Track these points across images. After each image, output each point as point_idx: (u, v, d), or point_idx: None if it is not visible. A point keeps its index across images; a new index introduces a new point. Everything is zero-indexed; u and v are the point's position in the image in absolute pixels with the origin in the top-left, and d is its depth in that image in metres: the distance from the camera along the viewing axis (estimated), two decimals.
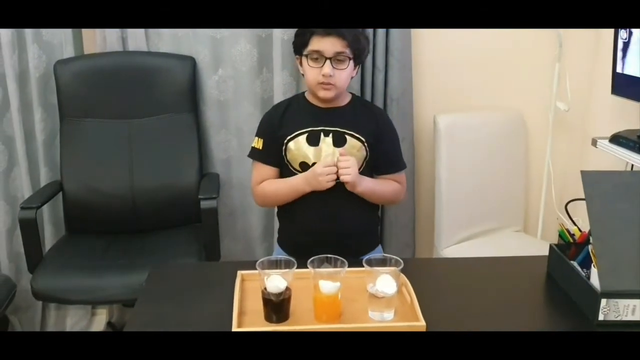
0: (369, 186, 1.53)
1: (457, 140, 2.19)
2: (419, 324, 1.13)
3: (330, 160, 1.48)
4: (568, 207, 1.47)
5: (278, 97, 2.16)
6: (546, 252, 1.41)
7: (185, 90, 2.17)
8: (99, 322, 2.45)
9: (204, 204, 1.95)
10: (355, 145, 1.55)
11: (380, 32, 2.10)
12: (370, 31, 2.03)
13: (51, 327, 2.37)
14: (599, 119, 2.12)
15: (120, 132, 2.16)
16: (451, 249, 2.23)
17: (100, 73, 2.15)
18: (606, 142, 1.81)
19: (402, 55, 2.13)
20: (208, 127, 2.27)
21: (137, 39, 2.17)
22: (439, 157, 2.18)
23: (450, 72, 2.27)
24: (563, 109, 2.18)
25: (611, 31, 1.82)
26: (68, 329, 2.38)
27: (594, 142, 1.86)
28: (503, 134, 2.28)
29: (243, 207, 2.35)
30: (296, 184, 1.53)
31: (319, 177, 1.46)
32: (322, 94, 1.52)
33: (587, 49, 2.15)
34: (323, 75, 1.48)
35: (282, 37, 2.11)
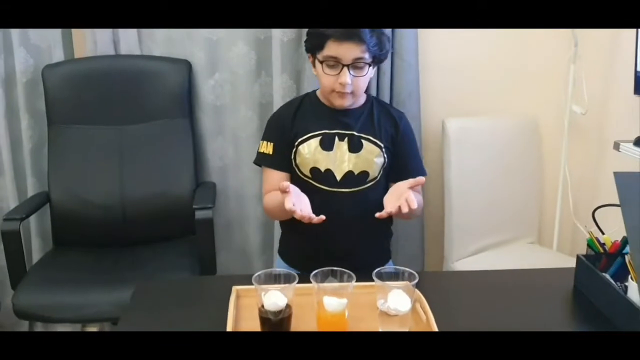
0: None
1: (467, 146, 2.08)
2: None
3: (303, 209, 1.26)
4: (595, 214, 1.34)
5: (277, 102, 2.06)
6: (564, 265, 1.30)
7: (180, 95, 2.08)
8: None
9: (199, 215, 1.85)
10: (372, 151, 1.43)
11: (386, 32, 1.98)
12: None
13: None
14: (619, 122, 2.00)
15: (111, 139, 2.07)
16: (463, 262, 2.11)
17: (91, 77, 2.06)
18: (630, 145, 1.69)
19: (409, 55, 2.01)
20: (203, 133, 2.18)
21: (129, 42, 2.08)
22: (448, 164, 2.07)
23: (460, 74, 2.16)
24: (579, 112, 2.06)
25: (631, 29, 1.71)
26: None
27: (617, 146, 1.74)
28: (515, 140, 2.18)
29: (240, 218, 2.25)
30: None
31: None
32: (338, 102, 1.41)
33: (604, 48, 2.03)
34: (340, 84, 1.36)
35: (281, 38, 2.01)
